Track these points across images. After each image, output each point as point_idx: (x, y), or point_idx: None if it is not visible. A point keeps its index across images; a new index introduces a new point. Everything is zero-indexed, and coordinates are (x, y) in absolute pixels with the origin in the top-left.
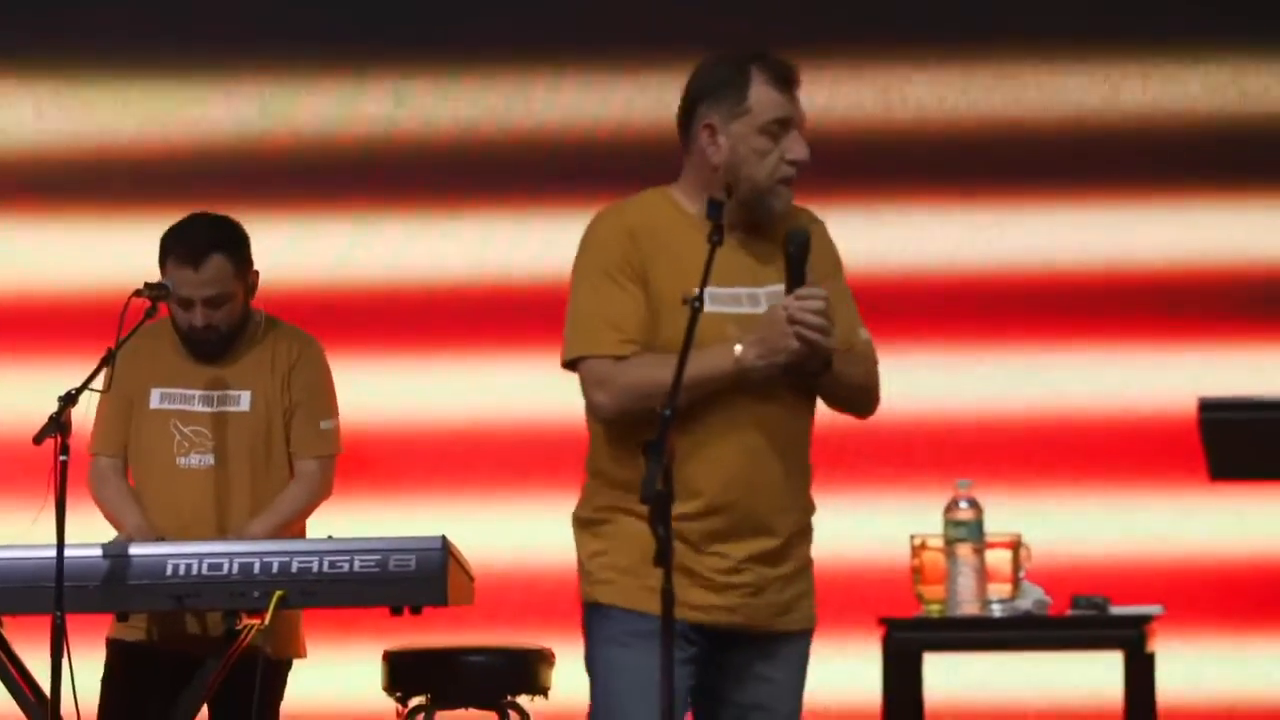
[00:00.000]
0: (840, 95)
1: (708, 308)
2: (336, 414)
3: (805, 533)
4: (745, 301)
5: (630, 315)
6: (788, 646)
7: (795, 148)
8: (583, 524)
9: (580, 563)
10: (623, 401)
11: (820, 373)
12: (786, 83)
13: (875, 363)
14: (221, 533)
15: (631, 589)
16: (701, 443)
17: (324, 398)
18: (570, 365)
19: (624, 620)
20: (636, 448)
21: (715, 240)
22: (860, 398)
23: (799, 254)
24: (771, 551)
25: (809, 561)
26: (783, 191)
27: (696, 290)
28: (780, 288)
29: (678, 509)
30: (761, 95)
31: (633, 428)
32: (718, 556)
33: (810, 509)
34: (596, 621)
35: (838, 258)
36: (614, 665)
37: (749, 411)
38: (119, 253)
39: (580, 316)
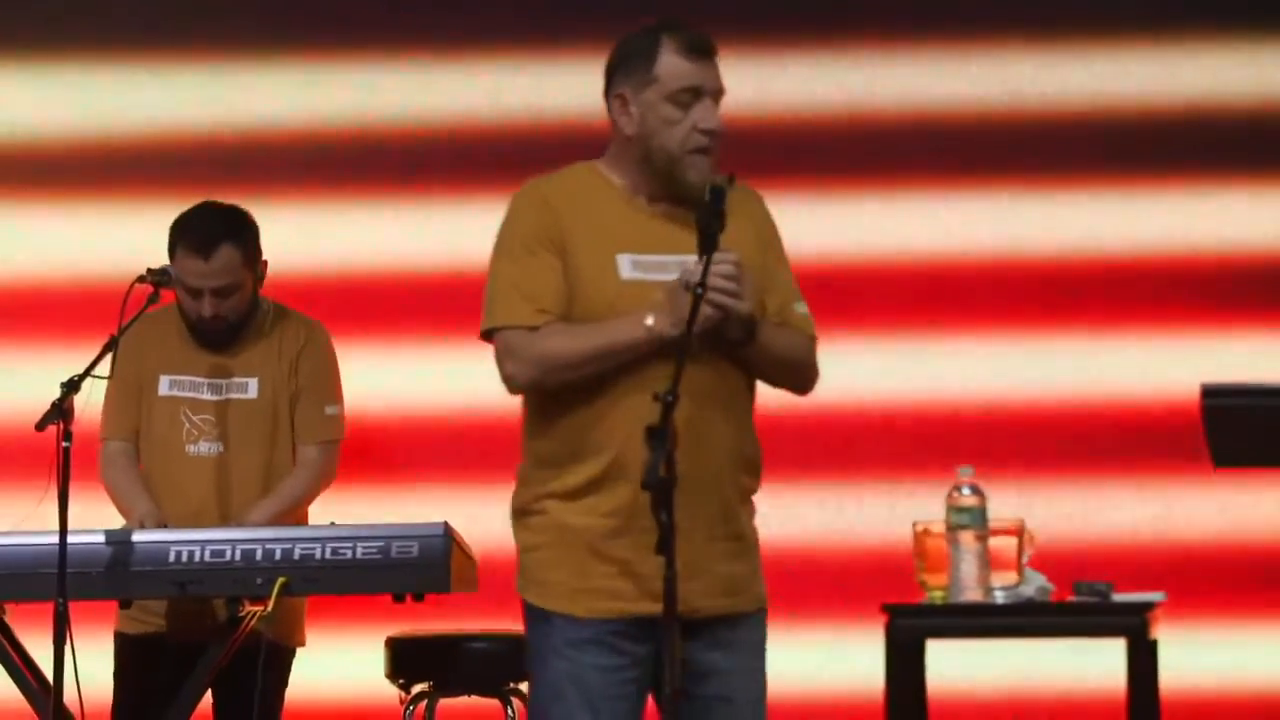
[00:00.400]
0: (840, 80)
1: (632, 274)
2: (341, 400)
3: (747, 505)
4: (674, 269)
5: (545, 286)
6: (741, 631)
7: (706, 117)
8: (517, 514)
9: (517, 555)
10: (533, 373)
11: (743, 341)
12: (697, 52)
13: (812, 339)
14: (227, 520)
15: (569, 593)
16: (615, 404)
17: (329, 383)
18: (487, 337)
19: (563, 628)
20: (555, 417)
21: (716, 228)
22: (791, 372)
23: (717, 218)
24: (703, 524)
25: (754, 538)
26: (697, 161)
27: (698, 276)
28: (693, 257)
29: (584, 475)
30: (670, 64)
31: (553, 397)
32: (647, 534)
33: (752, 483)
34: (535, 625)
35: (775, 232)
36: (555, 679)
37: (665, 373)
38: (122, 239)
39: (496, 288)
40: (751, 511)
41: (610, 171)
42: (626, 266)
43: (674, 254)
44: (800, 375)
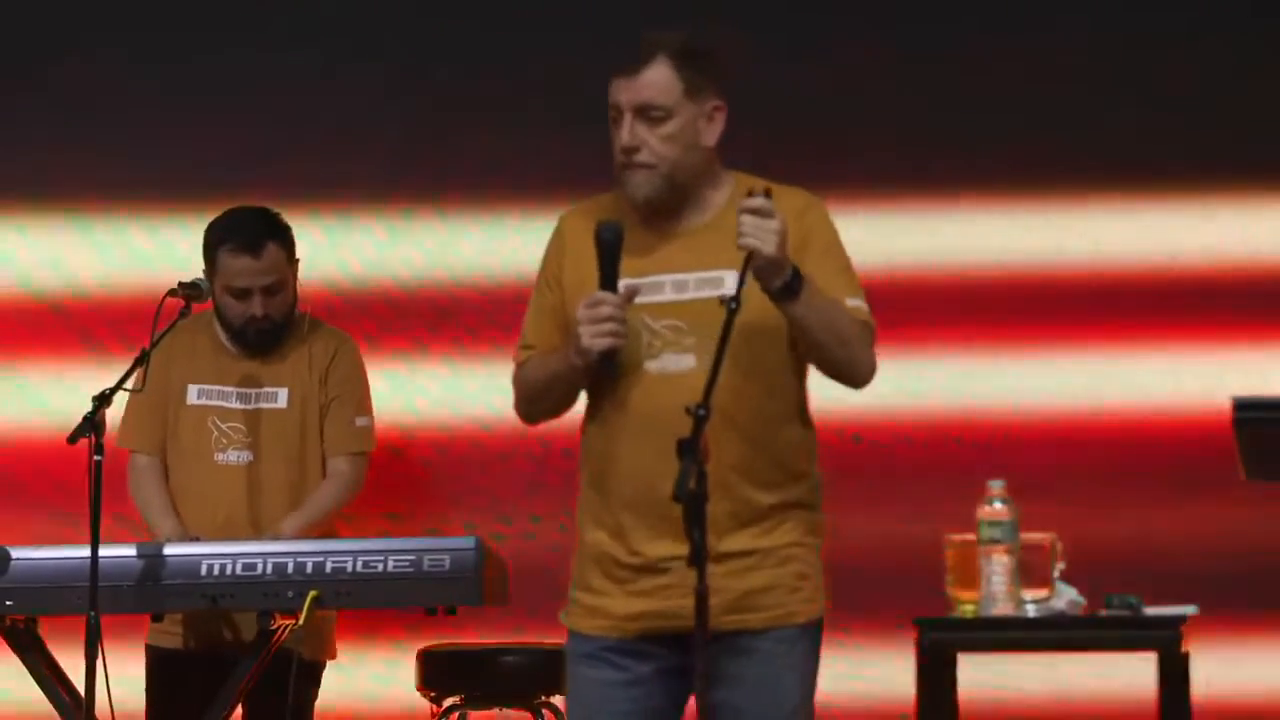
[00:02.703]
0: (874, 92)
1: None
2: (371, 411)
3: (771, 515)
4: (667, 288)
5: (536, 321)
6: (762, 642)
7: (620, 135)
8: None
9: None
10: (519, 406)
11: (781, 294)
12: (617, 71)
13: (863, 327)
14: (257, 528)
15: (577, 609)
16: (595, 422)
17: (358, 395)
18: None
19: (573, 642)
20: (589, 423)
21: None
22: (838, 346)
23: (606, 249)
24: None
25: (788, 548)
26: (626, 179)
27: (734, 290)
28: (691, 275)
29: (589, 493)
30: (609, 88)
31: (592, 414)
32: (637, 556)
33: (782, 484)
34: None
35: (820, 232)
36: (571, 692)
37: (664, 379)
38: (151, 252)
39: None
40: (782, 520)
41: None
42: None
43: (665, 273)
44: (848, 354)
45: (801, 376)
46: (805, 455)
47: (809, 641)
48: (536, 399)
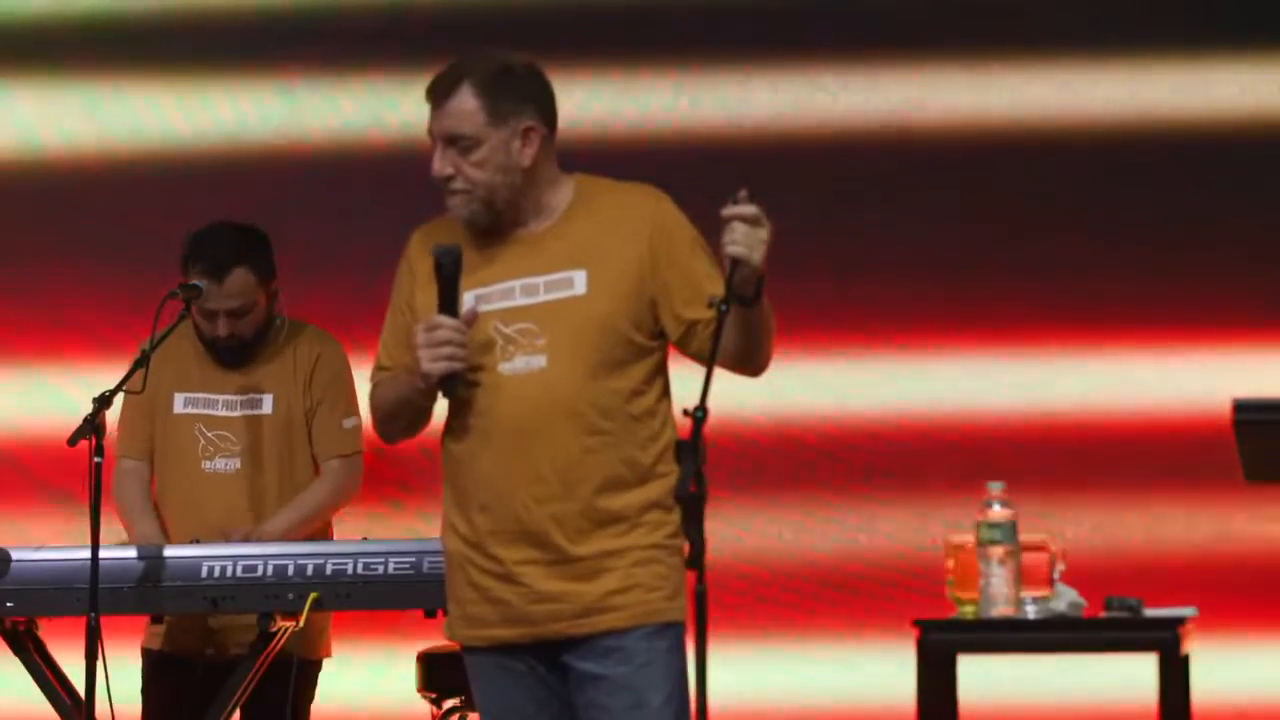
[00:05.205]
0: (856, 90)
1: (476, 308)
2: (358, 411)
3: (626, 517)
4: (517, 293)
5: (390, 343)
6: (624, 640)
7: (432, 162)
8: None
9: None
10: (376, 429)
11: (749, 297)
12: (428, 98)
13: None
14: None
15: (452, 620)
16: (451, 432)
17: (345, 396)
18: None
19: (464, 655)
20: (446, 431)
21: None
22: (767, 345)
23: (444, 273)
24: (549, 549)
25: (646, 550)
26: (449, 202)
27: (723, 294)
28: (540, 279)
29: (449, 502)
30: None
31: (450, 423)
32: (492, 561)
33: (636, 485)
34: None
35: (678, 229)
36: (478, 701)
37: (516, 380)
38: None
39: None
40: (632, 524)
41: None
42: (469, 302)
43: (514, 279)
44: (770, 346)
45: (659, 375)
46: (661, 455)
47: (671, 640)
48: (389, 420)
